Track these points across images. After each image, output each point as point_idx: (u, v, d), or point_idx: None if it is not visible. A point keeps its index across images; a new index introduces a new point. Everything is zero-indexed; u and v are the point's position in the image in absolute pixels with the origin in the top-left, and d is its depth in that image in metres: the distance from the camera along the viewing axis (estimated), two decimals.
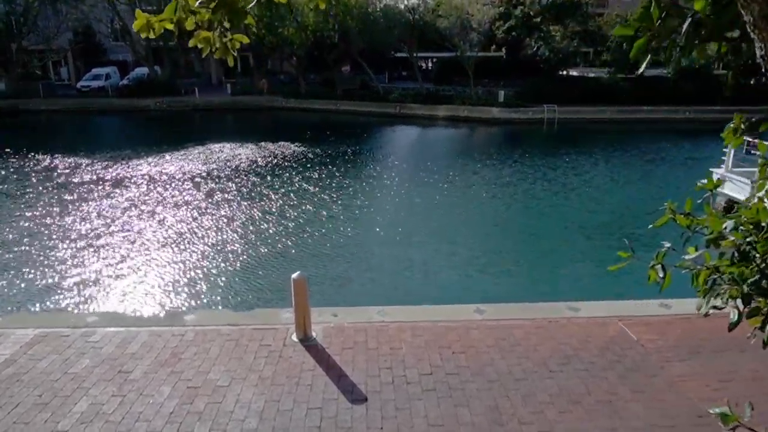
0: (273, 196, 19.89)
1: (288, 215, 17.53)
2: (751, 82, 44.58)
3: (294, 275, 6.86)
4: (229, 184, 21.81)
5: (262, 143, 29.74)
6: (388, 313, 7.71)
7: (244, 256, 14.30)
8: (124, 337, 7.04)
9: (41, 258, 14.05)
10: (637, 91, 40.94)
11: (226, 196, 20.00)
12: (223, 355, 6.62)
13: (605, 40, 45.05)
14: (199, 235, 15.96)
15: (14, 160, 25.51)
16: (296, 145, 29.01)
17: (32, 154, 26.52)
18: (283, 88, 47.13)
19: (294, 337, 6.99)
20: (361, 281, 12.88)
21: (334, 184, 21.55)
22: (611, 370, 6.30)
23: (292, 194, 20.15)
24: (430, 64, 57.82)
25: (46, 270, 13.33)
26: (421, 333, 7.13)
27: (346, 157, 26.56)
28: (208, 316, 7.66)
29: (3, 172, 23.43)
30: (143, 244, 15.27)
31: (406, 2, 45.19)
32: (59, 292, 12.34)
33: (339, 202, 19.09)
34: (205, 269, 13.52)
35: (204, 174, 23.37)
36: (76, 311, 11.25)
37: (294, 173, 23.43)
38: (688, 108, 39.59)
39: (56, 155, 26.19)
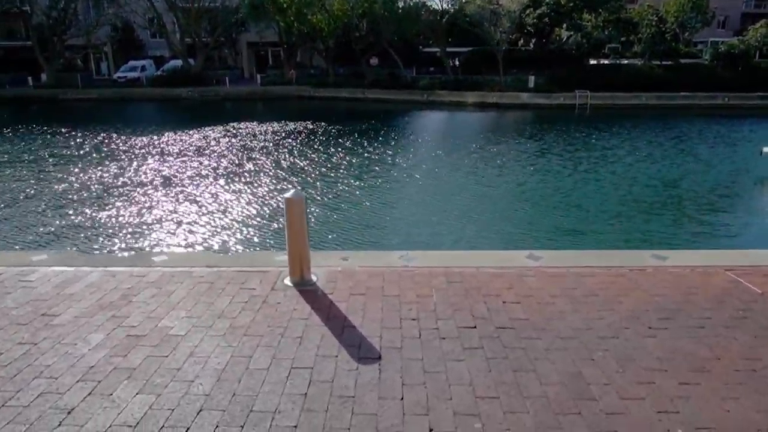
0: (294, 160, 18.39)
1: (308, 173, 16.11)
2: None
3: (288, 194, 4.83)
4: (249, 150, 20.18)
5: (288, 123, 27.96)
6: (414, 257, 5.62)
7: (256, 206, 12.62)
8: (67, 278, 5.13)
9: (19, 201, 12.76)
10: (673, 78, 38.04)
11: (245, 158, 18.45)
12: (189, 299, 4.64)
13: (637, 29, 42.23)
14: (210, 188, 14.31)
15: (47, 136, 24.26)
16: (321, 125, 27.07)
17: (65, 131, 25.27)
18: (312, 80, 45.38)
19: (287, 281, 4.97)
20: (381, 228, 10.99)
21: (357, 152, 19.99)
22: (739, 329, 4.10)
23: (315, 158, 18.76)
24: (457, 62, 55.24)
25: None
26: (459, 279, 5.02)
27: (371, 133, 24.53)
28: (182, 257, 5.73)
29: (33, 145, 22.11)
30: (145, 193, 13.71)
31: None
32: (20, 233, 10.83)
33: (360, 167, 17.29)
34: (210, 216, 11.74)
35: (225, 144, 21.74)
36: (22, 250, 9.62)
37: (317, 143, 21.82)
38: (727, 94, 36.41)
39: (87, 132, 24.89)
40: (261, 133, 24.66)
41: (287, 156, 19.23)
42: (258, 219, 11.63)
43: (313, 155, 19.29)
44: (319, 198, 13.29)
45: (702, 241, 9.83)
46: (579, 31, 42.12)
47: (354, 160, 18.17)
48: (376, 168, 16.80)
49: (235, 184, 14.72)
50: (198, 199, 13.18)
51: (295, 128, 26.25)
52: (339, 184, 14.72)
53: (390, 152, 19.83)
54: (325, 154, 19.52)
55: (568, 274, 5.19)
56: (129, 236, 10.62)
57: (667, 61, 40.75)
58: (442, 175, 15.93)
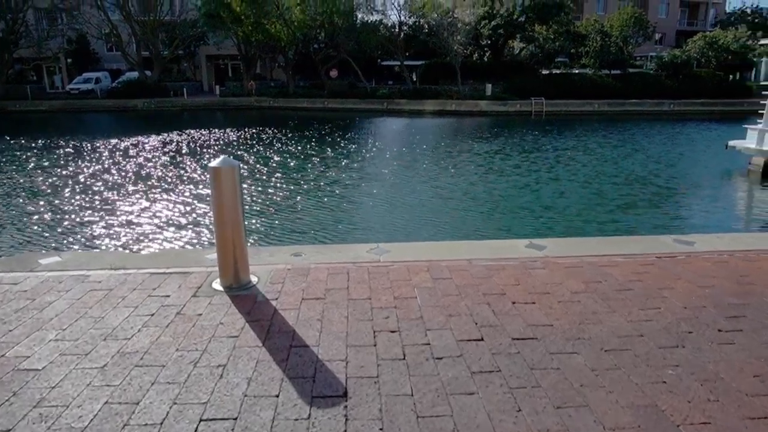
0: (249, 160, 16.58)
1: (263, 172, 14.06)
2: (729, 79, 42.15)
3: (216, 161, 3.36)
4: (199, 153, 18.20)
5: (245, 129, 26.04)
6: (388, 250, 4.23)
7: (199, 205, 10.91)
8: None
9: None
10: (622, 86, 38.30)
11: (192, 160, 16.50)
12: (69, 313, 3.10)
13: (585, 42, 42.50)
14: (144, 188, 12.38)
15: None
16: (279, 130, 25.26)
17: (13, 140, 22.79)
18: (272, 91, 43.64)
19: (216, 284, 3.49)
20: (345, 223, 9.48)
21: (314, 153, 18.17)
22: None
23: (272, 158, 16.84)
24: (414, 76, 54.25)
25: None
26: (447, 275, 3.66)
27: (331, 137, 22.81)
28: (78, 258, 4.13)
29: None
30: (62, 194, 11.69)
31: (393, 1, 41.98)
32: None
33: (316, 166, 15.35)
34: (135, 216, 9.88)
35: (173, 147, 19.69)
36: None
37: (275, 146, 19.93)
38: (673, 101, 36.76)
39: (28, 142, 22.46)
40: (215, 138, 22.69)
41: (242, 157, 17.56)
42: (193, 217, 9.75)
43: (270, 155, 17.58)
44: (271, 195, 11.59)
45: (689, 229, 8.81)
46: (532, 42, 42.03)
47: (310, 161, 16.39)
48: (335, 167, 15.14)
49: (178, 185, 12.74)
50: (127, 199, 11.18)
51: (251, 133, 24.38)
52: (294, 182, 13.01)
53: (349, 152, 18.32)
54: (283, 154, 17.80)
55: (585, 264, 3.89)
56: (22, 237, 8.70)
57: (616, 71, 41.03)
58: (405, 171, 14.50)
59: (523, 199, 11.05)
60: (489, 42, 43.40)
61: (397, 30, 44.64)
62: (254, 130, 25.25)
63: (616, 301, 3.24)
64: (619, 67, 41.56)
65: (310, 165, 15.54)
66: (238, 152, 18.14)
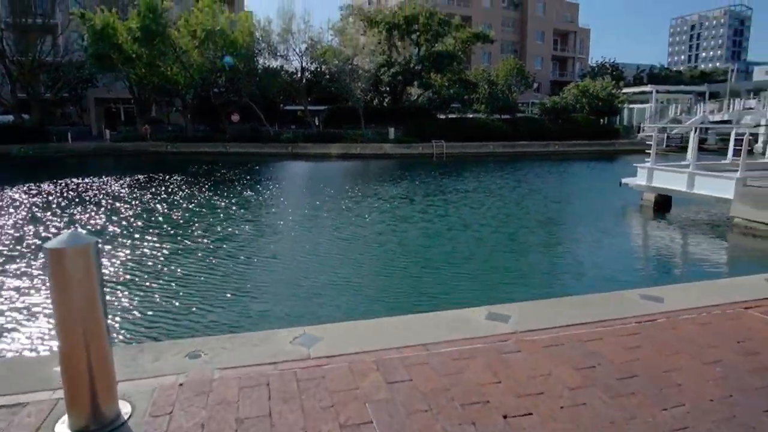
0: (126, 214, 13.97)
1: (141, 229, 11.79)
2: (601, 122, 46.40)
3: (56, 240, 2.14)
4: (86, 207, 15.66)
5: (134, 176, 23.33)
6: (317, 337, 3.15)
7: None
8: None
9: None
10: (512, 129, 40.61)
11: (57, 215, 14.00)
12: None
13: (477, 88, 44.85)
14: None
15: None
16: (172, 178, 22.79)
17: None
18: (169, 135, 40.86)
19: (63, 427, 2.21)
20: (250, 296, 7.84)
21: (209, 202, 15.87)
22: None
23: (156, 211, 14.48)
24: (317, 120, 53.75)
25: None
26: (405, 374, 2.67)
27: (229, 184, 20.80)
28: None
29: None
30: None
31: (294, 48, 41.58)
32: None
33: (209, 219, 13.27)
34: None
35: (41, 202, 16.92)
36: None
37: (162, 195, 17.47)
38: (557, 142, 39.51)
39: None
40: (94, 188, 19.65)
41: (117, 210, 15.14)
42: (35, 304, 7.16)
43: (154, 207, 15.20)
44: (150, 263, 9.33)
45: (608, 275, 8.59)
46: (429, 89, 43.49)
47: (203, 213, 14.49)
48: (232, 220, 13.33)
49: (20, 256, 9.74)
50: None
51: (139, 181, 21.73)
52: (181, 241, 10.92)
53: (248, 201, 16.70)
54: (171, 204, 15.62)
55: (563, 339, 3.11)
56: None
57: (506, 116, 43.50)
58: (313, 222, 13.33)
59: (441, 249, 10.35)
60: (389, 88, 44.31)
61: (299, 75, 44.21)
62: (143, 177, 22.81)
63: (628, 397, 2.44)
64: (508, 112, 44.17)
65: (202, 218, 13.63)
66: (116, 204, 15.73)
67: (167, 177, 22.93)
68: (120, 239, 11.14)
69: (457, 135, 38.16)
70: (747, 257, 10.01)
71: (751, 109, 44.91)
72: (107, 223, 12.95)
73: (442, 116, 44.11)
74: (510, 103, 44.85)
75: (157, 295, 7.64)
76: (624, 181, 14.72)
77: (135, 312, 7.02)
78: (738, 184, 11.30)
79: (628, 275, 8.65)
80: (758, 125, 31.72)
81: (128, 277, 8.62)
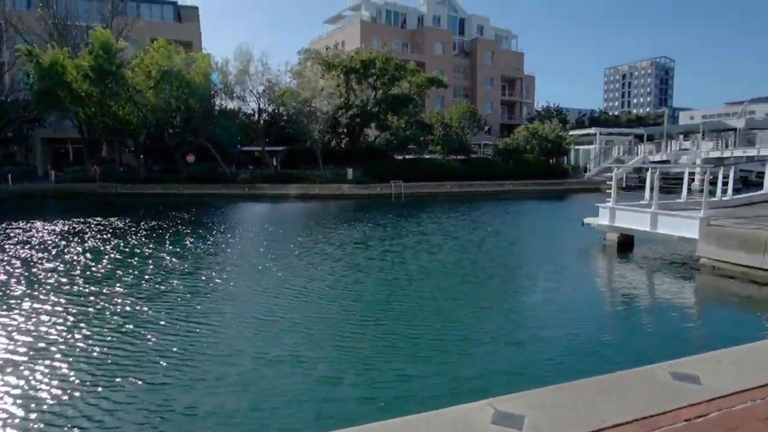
0: (56, 264, 12.21)
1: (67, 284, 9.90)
2: (550, 162, 47.48)
3: None
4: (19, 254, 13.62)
5: (72, 221, 20.92)
6: None
7: None
8: None
9: None
10: (467, 169, 40.83)
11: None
12: None
13: (432, 130, 45.22)
14: None
15: None
16: (116, 221, 20.85)
17: None
18: (121, 176, 38.71)
19: None
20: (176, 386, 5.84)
21: (146, 249, 13.89)
22: None
23: (76, 261, 12.29)
24: (276, 161, 52.42)
25: None
26: None
27: (177, 229, 18.57)
28: None
29: None
30: None
31: (252, 90, 40.75)
32: None
33: (152, 269, 11.55)
34: None
35: None
36: None
37: (96, 245, 14.86)
38: (511, 182, 39.91)
39: None
40: (22, 234, 17.43)
41: (28, 262, 12.70)
42: None
43: (74, 258, 13.08)
44: (35, 341, 7.09)
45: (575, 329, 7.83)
46: (386, 130, 43.44)
47: (132, 264, 12.34)
48: (163, 273, 11.32)
49: None
50: None
51: (71, 226, 19.35)
52: (88, 304, 8.85)
53: (190, 249, 14.66)
54: (94, 255, 13.34)
55: None
56: None
57: (461, 156, 43.82)
58: (256, 275, 11.39)
59: (402, 306, 8.91)
60: (347, 129, 43.99)
61: (256, 116, 43.32)
62: (79, 221, 20.64)
63: None
64: (463, 153, 44.57)
65: (129, 271, 11.45)
66: (29, 253, 13.52)
67: (108, 221, 21.08)
68: (13, 301, 9.01)
69: (414, 175, 37.93)
70: (736, 303, 9.55)
71: (686, 149, 47.17)
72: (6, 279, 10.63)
73: (400, 157, 44.02)
74: (464, 144, 45.37)
75: (40, 385, 5.76)
76: (586, 221, 14.38)
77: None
78: (702, 224, 11.02)
79: (617, 329, 7.92)
80: (695, 164, 33.00)
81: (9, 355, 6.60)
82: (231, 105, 42.96)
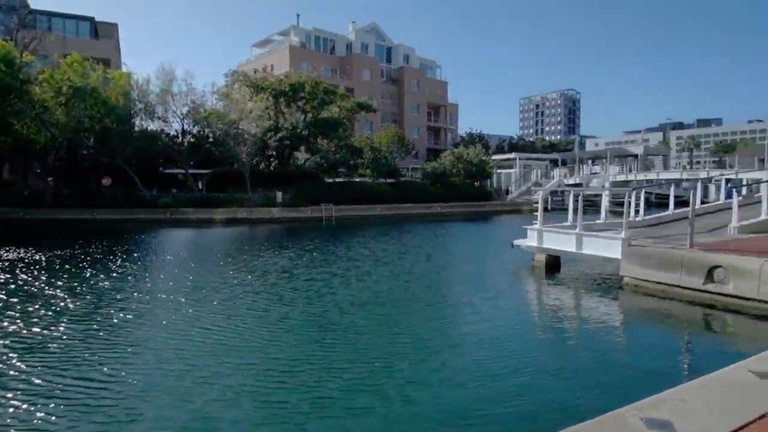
0: None
1: None
2: (475, 185, 48.84)
3: None
4: None
5: None
6: None
7: None
8: None
9: None
10: (397, 192, 40.96)
11: None
12: None
13: (362, 154, 45.19)
14: None
15: None
16: (17, 252, 17.87)
17: None
18: (27, 200, 34.92)
19: None
20: None
21: (35, 285, 11.78)
22: None
23: None
24: (201, 184, 49.76)
25: None
26: None
27: (77, 262, 16.00)
28: None
29: None
30: None
31: (175, 110, 38.69)
32: None
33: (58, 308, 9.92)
34: None
35: None
36: None
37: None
38: (439, 204, 40.48)
39: None
40: None
41: None
42: None
43: None
44: None
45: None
46: (316, 153, 42.78)
47: (33, 302, 10.67)
48: (44, 318, 9.40)
49: None
50: None
51: None
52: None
53: (88, 285, 12.58)
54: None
55: None
56: None
57: (391, 179, 43.97)
58: (162, 314, 9.86)
59: (337, 344, 7.97)
60: (276, 152, 42.87)
61: (180, 139, 41.09)
62: None
63: None
64: (393, 176, 44.79)
65: (15, 311, 9.70)
66: None
67: (18, 247, 18.64)
68: None
69: (345, 198, 37.43)
70: (659, 321, 9.70)
71: (596, 173, 50.44)
72: None
73: (330, 180, 43.44)
74: (393, 168, 45.67)
75: None
76: (515, 242, 14.48)
77: None
78: (624, 244, 11.32)
79: (558, 357, 7.68)
80: (604, 188, 35.15)
81: None
82: (152, 126, 40.54)
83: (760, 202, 15.84)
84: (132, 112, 36.88)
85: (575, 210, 13.49)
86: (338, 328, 8.73)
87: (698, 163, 65.55)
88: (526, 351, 7.68)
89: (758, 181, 25.47)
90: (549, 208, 14.20)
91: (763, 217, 14.72)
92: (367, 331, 8.71)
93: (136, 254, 18.44)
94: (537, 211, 13.98)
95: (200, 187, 43.59)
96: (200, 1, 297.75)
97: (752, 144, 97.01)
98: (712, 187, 32.66)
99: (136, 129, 38.61)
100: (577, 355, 7.58)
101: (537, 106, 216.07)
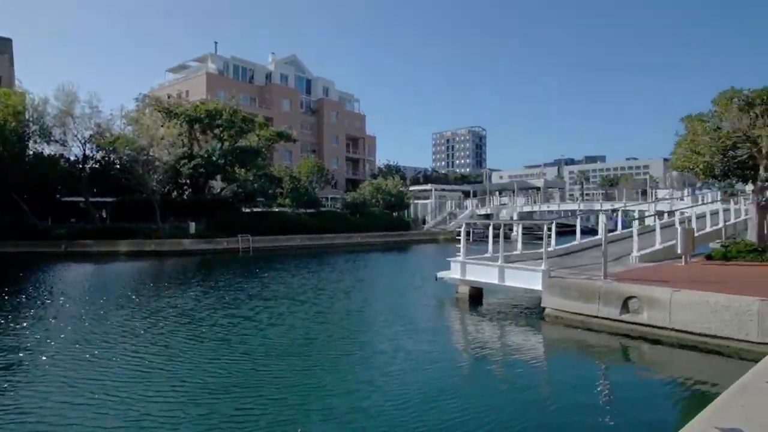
0: None
1: None
2: (394, 215, 48.99)
3: None
4: None
5: None
6: None
7: None
8: None
9: None
10: (317, 222, 39.84)
11: None
12: None
13: (281, 183, 43.80)
14: None
15: None
16: None
17: None
18: None
19: None
20: None
21: None
22: None
23: None
24: (104, 214, 45.08)
25: None
26: None
27: None
28: None
29: None
30: None
31: (76, 134, 35.06)
32: None
33: None
34: None
35: None
36: None
37: None
38: (360, 234, 39.91)
39: None
40: None
41: None
42: None
43: None
44: None
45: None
46: (233, 182, 40.70)
47: None
48: None
49: None
50: None
51: None
52: None
53: None
54: None
55: None
56: None
57: (311, 209, 42.80)
58: (20, 380, 7.75)
59: (248, 412, 7.03)
60: (189, 180, 40.19)
61: (81, 165, 37.16)
62: None
63: None
64: (313, 206, 43.68)
65: None
66: None
67: None
68: None
69: (264, 229, 35.63)
70: (581, 353, 9.60)
71: (505, 204, 52.81)
72: None
73: (248, 210, 41.35)
74: (313, 198, 44.63)
75: None
76: (440, 275, 14.15)
77: None
78: (545, 276, 11.31)
79: (485, 394, 7.19)
80: (512, 219, 36.67)
81: None
82: (48, 150, 36.34)
83: (653, 230, 16.95)
84: (24, 133, 32.80)
85: (495, 240, 13.45)
86: (244, 392, 7.02)
87: (588, 194, 71.43)
88: (449, 388, 7.16)
89: (644, 216, 27.80)
90: (471, 240, 14.04)
91: (657, 246, 15.69)
92: (281, 396, 7.01)
93: (5, 297, 14.75)
94: (454, 239, 13.77)
95: (104, 217, 39.54)
96: (115, 22, 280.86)
97: (631, 179, 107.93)
98: (602, 217, 35.14)
99: (30, 153, 34.39)
100: (497, 388, 7.31)
101: (448, 140, 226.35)
